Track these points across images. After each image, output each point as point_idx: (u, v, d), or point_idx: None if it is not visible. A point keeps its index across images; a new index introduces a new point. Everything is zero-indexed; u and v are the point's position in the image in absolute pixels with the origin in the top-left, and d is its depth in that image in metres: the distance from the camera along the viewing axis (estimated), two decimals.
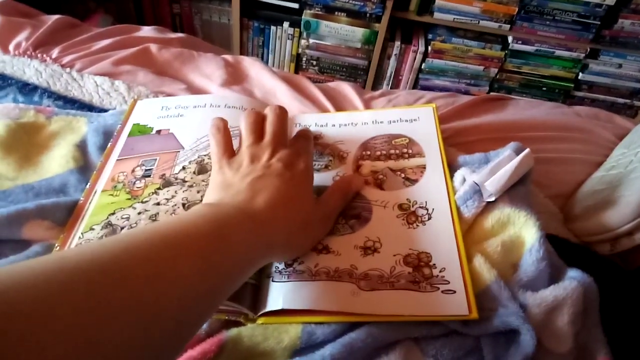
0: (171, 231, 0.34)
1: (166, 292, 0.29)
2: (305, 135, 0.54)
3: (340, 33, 1.73)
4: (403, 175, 0.54)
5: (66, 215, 0.51)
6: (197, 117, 0.60)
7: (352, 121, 0.62)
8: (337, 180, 0.54)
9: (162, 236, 0.33)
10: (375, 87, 1.89)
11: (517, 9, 1.61)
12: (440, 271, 0.45)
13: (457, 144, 0.63)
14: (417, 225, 0.49)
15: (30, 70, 0.67)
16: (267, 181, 0.44)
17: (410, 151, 0.57)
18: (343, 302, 0.43)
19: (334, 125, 0.61)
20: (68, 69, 0.68)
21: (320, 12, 1.71)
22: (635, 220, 0.54)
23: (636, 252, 0.56)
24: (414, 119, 0.60)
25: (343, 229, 0.49)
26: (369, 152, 0.57)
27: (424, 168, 0.54)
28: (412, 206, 0.51)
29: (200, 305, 0.32)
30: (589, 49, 1.68)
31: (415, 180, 0.53)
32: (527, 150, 0.52)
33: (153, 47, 0.75)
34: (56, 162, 0.57)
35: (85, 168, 0.57)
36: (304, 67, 1.87)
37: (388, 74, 1.84)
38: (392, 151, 0.57)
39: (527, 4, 1.59)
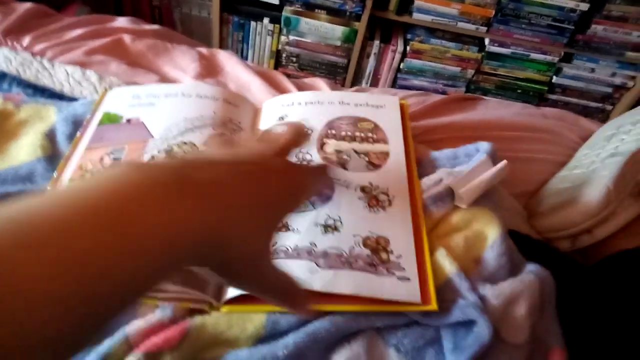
0: (35, 215, 0.21)
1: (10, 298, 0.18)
2: (323, 166, 0.50)
3: (320, 30, 1.74)
4: (367, 159, 0.55)
5: None
6: (168, 106, 0.60)
7: (318, 99, 0.62)
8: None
9: (29, 214, 0.20)
10: (354, 85, 1.90)
11: (494, 12, 1.64)
12: (397, 257, 0.46)
13: (427, 142, 0.65)
14: (378, 210, 0.50)
15: (0, 57, 0.66)
16: (249, 163, 0.32)
17: (374, 136, 0.57)
18: (302, 280, 0.43)
19: (300, 104, 0.61)
20: (39, 58, 0.68)
21: (300, 9, 1.71)
22: (594, 217, 0.56)
23: (595, 248, 0.58)
24: (379, 105, 0.61)
25: (304, 205, 0.49)
26: (334, 132, 0.58)
27: (387, 155, 0.55)
28: (374, 190, 0.51)
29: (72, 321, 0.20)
30: (563, 53, 1.72)
31: (379, 166, 0.54)
32: (504, 162, 0.53)
33: (126, 38, 0.75)
34: (24, 150, 0.57)
35: (53, 157, 0.57)
36: (283, 63, 1.87)
37: (367, 73, 1.85)
38: (357, 133, 0.57)
39: (504, 7, 1.62)
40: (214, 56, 0.78)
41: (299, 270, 0.44)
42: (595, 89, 1.81)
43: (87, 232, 0.21)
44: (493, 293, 0.45)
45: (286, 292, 0.35)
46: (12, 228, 0.20)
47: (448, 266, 0.47)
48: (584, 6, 1.58)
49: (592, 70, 1.75)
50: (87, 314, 0.21)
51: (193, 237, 0.25)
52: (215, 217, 0.26)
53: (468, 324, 0.44)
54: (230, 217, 0.27)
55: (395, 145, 0.56)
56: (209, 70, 0.75)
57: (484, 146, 0.56)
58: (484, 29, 1.69)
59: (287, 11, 1.71)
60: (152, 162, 0.27)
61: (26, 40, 0.70)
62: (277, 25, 1.76)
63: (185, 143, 0.55)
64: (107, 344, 0.41)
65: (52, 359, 0.20)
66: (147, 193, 0.24)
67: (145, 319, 0.43)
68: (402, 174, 0.54)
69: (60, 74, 0.66)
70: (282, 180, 0.33)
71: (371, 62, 1.81)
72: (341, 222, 0.48)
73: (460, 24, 1.68)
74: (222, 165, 0.29)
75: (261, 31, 1.79)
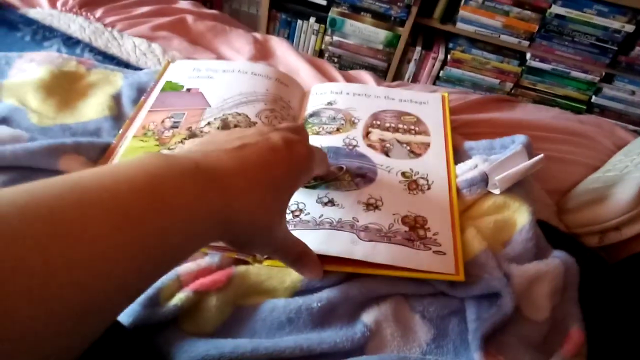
0: (92, 183, 0.25)
1: (70, 258, 0.21)
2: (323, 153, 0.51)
3: (363, 33, 1.78)
4: (408, 148, 0.58)
5: (99, 154, 0.56)
6: (225, 80, 0.64)
7: (366, 92, 0.66)
8: None
9: (79, 188, 0.24)
10: None
11: (537, 27, 1.65)
12: (434, 234, 0.49)
13: (465, 134, 0.67)
14: (417, 193, 0.53)
15: (75, 25, 0.72)
16: (253, 145, 0.35)
17: (417, 129, 0.61)
18: (343, 249, 0.47)
19: (348, 94, 0.66)
20: (110, 29, 0.74)
21: (346, 11, 1.75)
22: (624, 215, 0.57)
23: (621, 247, 0.59)
24: (423, 102, 0.65)
25: (349, 185, 0.53)
26: (378, 122, 0.61)
27: (428, 146, 0.59)
28: (414, 175, 0.55)
29: (122, 275, 0.24)
30: (604, 73, 1.71)
31: (419, 155, 0.58)
32: (542, 155, 0.55)
33: (189, 18, 0.80)
34: (92, 108, 0.62)
35: (118, 117, 0.62)
36: None
37: (406, 78, 1.88)
38: (400, 126, 0.61)
39: (548, 22, 1.63)
40: (267, 41, 0.82)
41: (342, 240, 0.48)
42: (634, 111, 1.79)
43: (138, 198, 0.25)
44: (518, 272, 0.48)
45: (299, 257, 0.41)
46: (76, 190, 0.24)
47: (477, 244, 0.49)
48: (630, 27, 1.58)
49: (633, 92, 1.74)
50: (139, 272, 0.25)
51: (210, 215, 0.29)
52: (225, 201, 0.30)
53: (491, 297, 0.46)
54: (238, 201, 0.31)
55: (437, 137, 0.60)
56: (262, 54, 0.79)
57: (520, 138, 0.58)
58: (527, 43, 1.70)
59: (333, 12, 1.76)
60: (173, 153, 0.31)
61: (99, 12, 0.76)
62: (323, 25, 1.81)
63: (239, 114, 0.60)
64: (160, 280, 0.45)
65: (108, 305, 0.24)
66: (175, 177, 0.28)
67: (195, 263, 0.47)
68: (442, 162, 0.57)
69: (128, 45, 0.72)
70: (285, 155, 0.36)
71: (411, 68, 1.84)
72: (382, 202, 0.52)
73: (503, 37, 1.70)
74: (230, 154, 0.33)
75: (307, 30, 1.84)
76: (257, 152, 0.34)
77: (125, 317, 0.42)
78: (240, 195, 0.31)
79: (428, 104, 0.65)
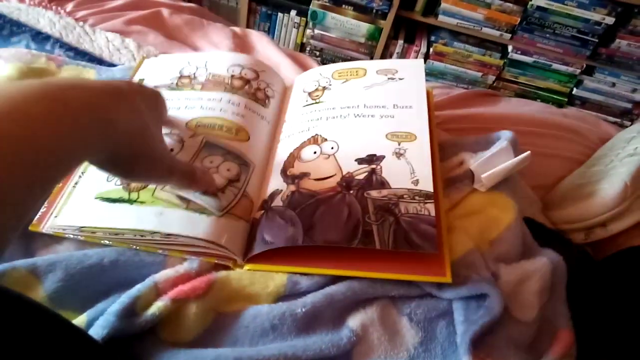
0: None
1: None
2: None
3: (345, 26, 1.76)
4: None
5: None
6: None
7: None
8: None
9: None
10: None
11: (519, 19, 1.65)
12: None
13: (449, 130, 0.66)
14: None
15: (45, 20, 0.69)
16: None
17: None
18: None
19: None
20: (81, 23, 0.71)
21: (327, 4, 1.73)
22: (610, 212, 0.57)
23: (608, 243, 0.59)
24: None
25: None
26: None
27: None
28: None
29: None
30: (585, 65, 1.72)
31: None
32: (528, 153, 0.54)
33: (165, 11, 0.78)
34: None
35: None
36: None
37: None
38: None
39: (530, 15, 1.63)
40: (246, 35, 0.80)
41: None
42: (615, 103, 1.81)
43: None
44: (506, 271, 0.47)
45: (185, 172, 0.43)
46: None
47: (463, 243, 0.48)
48: (610, 20, 1.58)
49: (613, 84, 1.76)
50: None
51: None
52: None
53: (479, 298, 0.45)
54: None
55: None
56: (242, 48, 0.77)
57: (506, 134, 0.57)
58: (508, 35, 1.70)
59: (314, 5, 1.73)
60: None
61: (69, 6, 0.73)
62: (304, 19, 1.78)
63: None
64: (136, 289, 0.43)
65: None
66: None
67: (173, 269, 0.45)
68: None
69: (101, 40, 0.69)
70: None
71: None
72: None
73: (485, 29, 1.70)
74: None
75: (287, 23, 1.82)
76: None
77: (100, 329, 0.40)
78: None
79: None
